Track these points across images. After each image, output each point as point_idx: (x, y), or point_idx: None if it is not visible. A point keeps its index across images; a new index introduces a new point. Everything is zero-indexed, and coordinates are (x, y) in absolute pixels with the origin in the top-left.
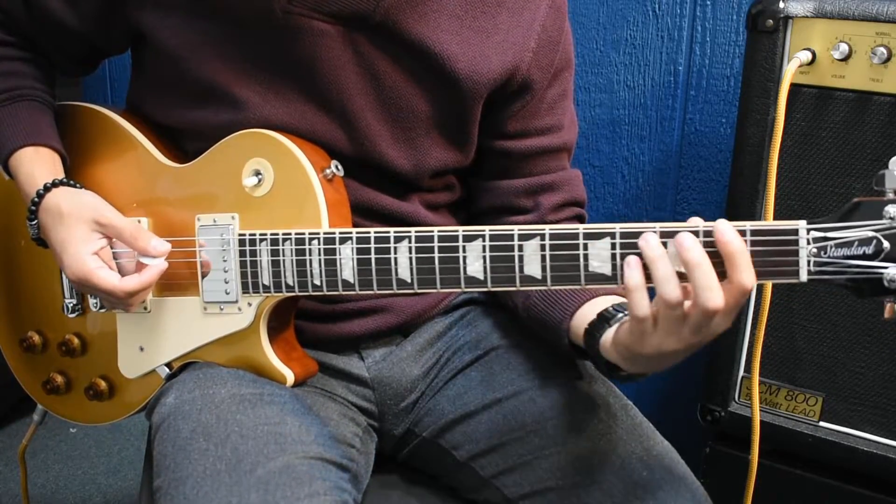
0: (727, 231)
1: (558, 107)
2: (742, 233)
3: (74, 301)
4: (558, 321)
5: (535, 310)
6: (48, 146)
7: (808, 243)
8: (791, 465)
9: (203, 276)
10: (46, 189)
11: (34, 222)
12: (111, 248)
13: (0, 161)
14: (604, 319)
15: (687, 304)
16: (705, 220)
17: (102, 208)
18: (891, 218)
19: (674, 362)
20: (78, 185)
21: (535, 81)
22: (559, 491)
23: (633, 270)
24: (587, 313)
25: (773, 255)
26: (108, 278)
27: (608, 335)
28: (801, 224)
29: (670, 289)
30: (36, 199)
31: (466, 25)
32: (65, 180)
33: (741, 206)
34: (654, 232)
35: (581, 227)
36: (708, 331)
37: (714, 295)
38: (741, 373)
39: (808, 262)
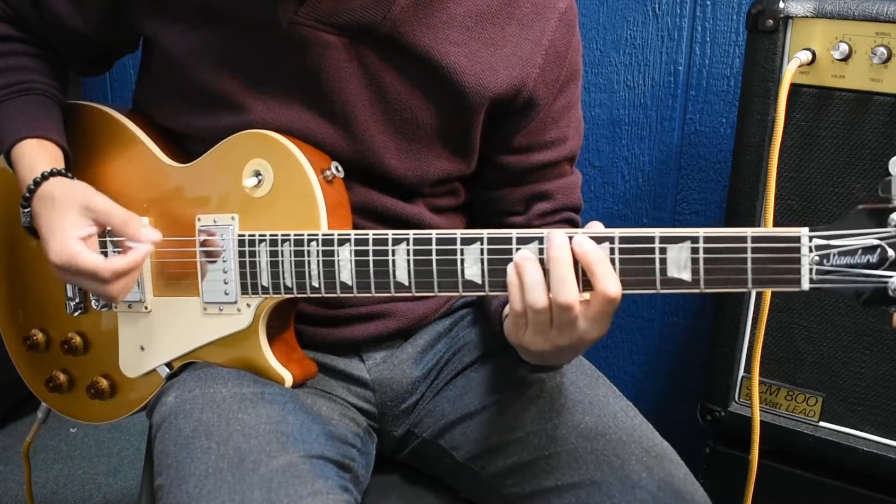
0: (581, 241)
1: (563, 119)
2: (742, 239)
3: (77, 300)
4: (495, 307)
5: (485, 299)
6: (52, 140)
7: (811, 251)
8: (791, 465)
9: (206, 271)
10: (43, 178)
11: (27, 210)
12: (106, 237)
13: (3, 151)
14: None
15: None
16: (705, 219)
17: (93, 195)
18: (895, 226)
19: (553, 361)
20: (71, 176)
21: (540, 97)
22: (559, 491)
23: (510, 270)
24: None
25: (774, 263)
26: (93, 259)
27: None
28: (804, 231)
29: (534, 295)
30: (31, 187)
31: (475, 37)
32: (60, 170)
33: (741, 206)
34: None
35: (579, 231)
36: (576, 334)
37: (564, 289)
38: (741, 373)
39: (810, 269)
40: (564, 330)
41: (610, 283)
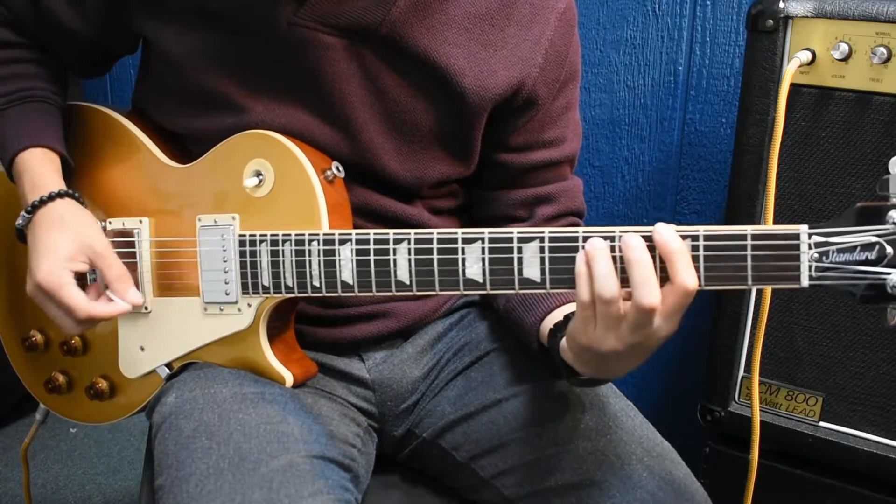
0: (665, 231)
1: (562, 119)
2: (742, 237)
3: None
4: (531, 324)
5: (514, 313)
6: (53, 149)
7: (810, 248)
8: (791, 465)
9: (203, 275)
10: (59, 195)
11: (29, 216)
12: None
13: (6, 159)
14: (568, 320)
15: (627, 304)
16: (705, 219)
17: (100, 236)
18: (894, 223)
19: (620, 367)
20: (83, 202)
21: (540, 97)
22: (559, 491)
23: (579, 260)
24: (556, 316)
25: (773, 260)
26: (76, 295)
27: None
28: (803, 229)
29: (604, 285)
30: (45, 198)
31: (474, 39)
32: (76, 195)
33: (741, 206)
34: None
35: (581, 230)
36: (649, 332)
37: (649, 291)
38: (741, 373)
39: (810, 267)
40: (638, 328)
41: (689, 276)
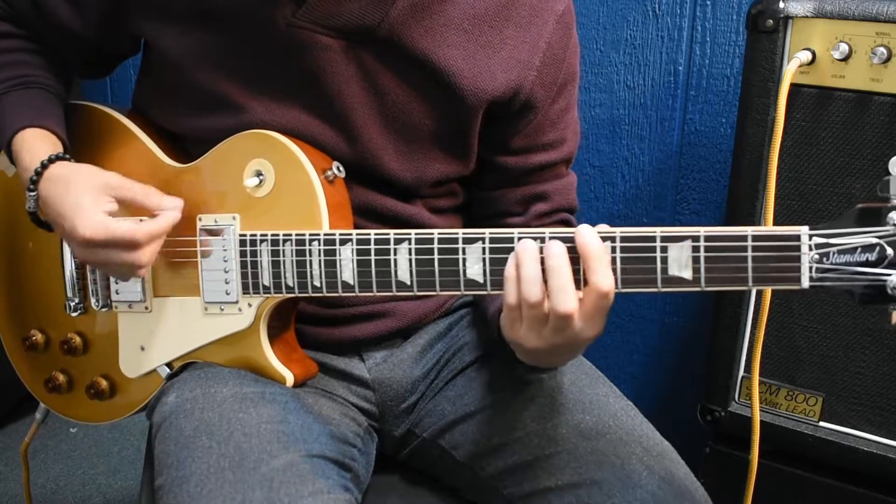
0: (586, 234)
1: (561, 121)
2: (743, 238)
3: (77, 300)
4: (491, 314)
5: (481, 304)
6: (54, 132)
7: (810, 249)
8: (791, 465)
9: (204, 259)
10: (50, 161)
11: (33, 194)
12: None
13: (4, 140)
14: None
15: (547, 305)
16: (705, 219)
17: (107, 173)
18: (894, 224)
19: (553, 360)
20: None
21: (538, 99)
22: (559, 491)
23: (509, 263)
24: None
25: (774, 262)
26: (126, 225)
27: None
28: (803, 230)
29: (530, 289)
30: (39, 170)
31: (473, 40)
32: (65, 155)
33: (741, 206)
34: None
35: (576, 231)
36: (571, 335)
37: (565, 298)
38: (741, 373)
39: (810, 268)
40: (559, 331)
41: (603, 278)
